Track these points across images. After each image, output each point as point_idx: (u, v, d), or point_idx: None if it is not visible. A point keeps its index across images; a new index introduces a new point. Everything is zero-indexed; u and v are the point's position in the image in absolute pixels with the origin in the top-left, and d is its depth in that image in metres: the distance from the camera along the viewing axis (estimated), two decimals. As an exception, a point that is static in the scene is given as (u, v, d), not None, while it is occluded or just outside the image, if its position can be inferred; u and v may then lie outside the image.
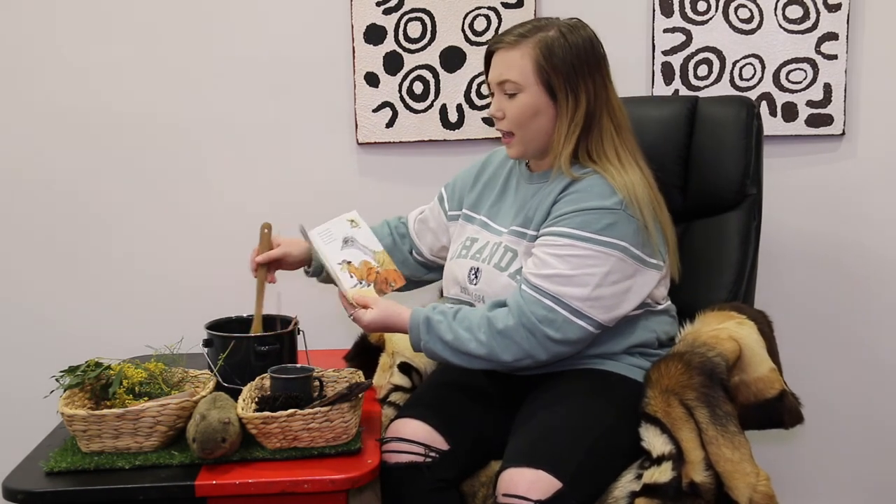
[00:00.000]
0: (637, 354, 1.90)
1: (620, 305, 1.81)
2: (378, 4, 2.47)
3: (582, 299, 1.75)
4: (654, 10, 2.49)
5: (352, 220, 1.96)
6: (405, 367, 2.06)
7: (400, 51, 2.50)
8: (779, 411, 1.85)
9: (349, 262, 1.90)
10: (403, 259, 2.12)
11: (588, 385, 1.83)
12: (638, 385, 1.83)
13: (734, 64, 2.50)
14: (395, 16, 2.48)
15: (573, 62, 1.80)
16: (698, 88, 2.50)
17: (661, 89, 2.51)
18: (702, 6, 2.48)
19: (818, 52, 2.48)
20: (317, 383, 1.86)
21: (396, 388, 2.04)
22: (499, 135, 1.84)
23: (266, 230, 2.05)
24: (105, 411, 1.71)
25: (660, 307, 1.93)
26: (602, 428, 1.76)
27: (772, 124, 2.50)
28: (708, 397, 1.75)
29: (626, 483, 1.73)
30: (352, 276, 1.89)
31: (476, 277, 1.90)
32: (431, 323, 1.79)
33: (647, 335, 1.90)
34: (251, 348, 1.94)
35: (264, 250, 2.04)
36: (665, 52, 2.51)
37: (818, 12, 2.47)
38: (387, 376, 2.06)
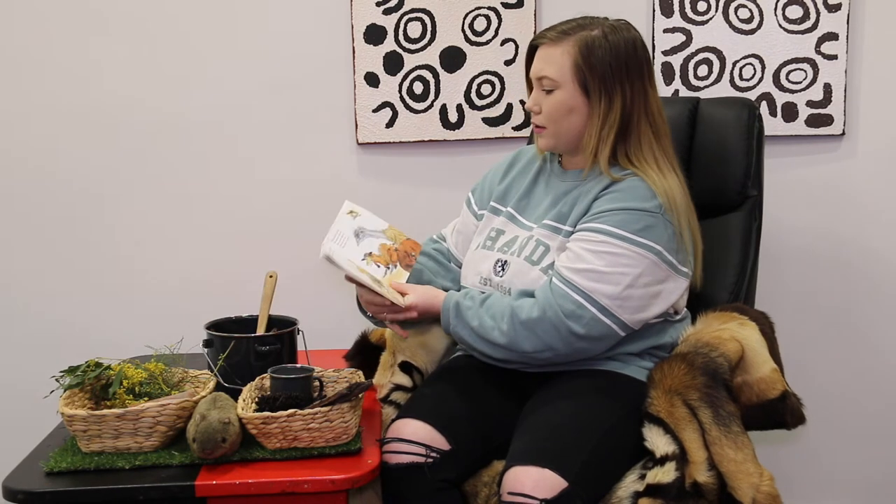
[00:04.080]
0: (646, 357, 1.90)
1: (647, 308, 1.81)
2: (378, 4, 2.47)
3: (612, 297, 1.76)
4: (654, 10, 2.49)
5: (351, 212, 1.93)
6: (406, 367, 2.06)
7: (400, 51, 2.49)
8: (781, 412, 1.84)
9: (370, 253, 1.89)
10: (454, 278, 2.08)
11: (594, 384, 1.83)
12: (643, 385, 1.82)
13: (734, 64, 2.49)
14: (395, 16, 2.47)
15: (611, 63, 1.81)
16: (698, 89, 2.50)
17: (662, 89, 2.49)
18: (702, 6, 2.48)
19: (818, 52, 2.48)
20: (317, 383, 1.86)
21: (397, 388, 2.03)
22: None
23: (271, 277, 2.04)
24: (105, 411, 1.70)
25: (678, 317, 1.93)
26: (608, 427, 1.76)
27: (772, 124, 2.50)
28: (711, 398, 1.75)
29: (630, 483, 1.73)
30: (378, 266, 1.87)
31: (503, 270, 1.90)
32: (461, 308, 1.83)
33: (663, 339, 1.90)
34: (251, 348, 1.93)
35: (268, 299, 2.04)
36: (665, 53, 2.50)
37: (818, 12, 2.47)
38: (388, 375, 2.05)
